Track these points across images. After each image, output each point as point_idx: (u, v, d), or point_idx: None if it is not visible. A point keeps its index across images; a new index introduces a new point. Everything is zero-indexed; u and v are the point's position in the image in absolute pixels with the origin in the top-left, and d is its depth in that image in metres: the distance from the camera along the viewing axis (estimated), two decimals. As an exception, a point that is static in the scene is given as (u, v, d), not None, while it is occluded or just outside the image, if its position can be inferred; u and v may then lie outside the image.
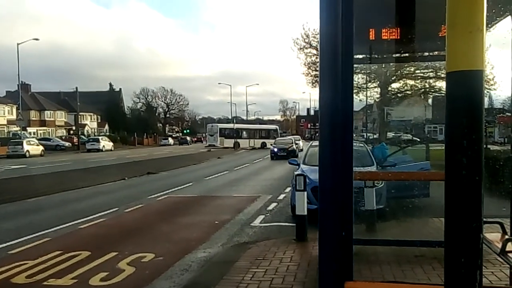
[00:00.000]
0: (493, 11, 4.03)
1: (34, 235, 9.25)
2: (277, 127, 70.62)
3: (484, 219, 4.22)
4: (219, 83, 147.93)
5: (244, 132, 64.14)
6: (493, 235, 4.00)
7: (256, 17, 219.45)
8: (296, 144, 39.49)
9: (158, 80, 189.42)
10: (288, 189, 13.81)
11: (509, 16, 4.26)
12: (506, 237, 3.81)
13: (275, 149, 35.56)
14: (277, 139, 43.40)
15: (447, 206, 1.28)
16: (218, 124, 71.68)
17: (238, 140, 59.36)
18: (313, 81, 36.47)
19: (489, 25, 4.89)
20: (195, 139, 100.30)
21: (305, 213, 7.95)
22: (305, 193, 8.14)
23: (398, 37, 4.48)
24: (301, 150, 34.67)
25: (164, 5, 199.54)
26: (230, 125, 68.85)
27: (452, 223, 1.26)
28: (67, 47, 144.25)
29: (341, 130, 1.92)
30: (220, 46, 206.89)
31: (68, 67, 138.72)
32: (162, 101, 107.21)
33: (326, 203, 1.99)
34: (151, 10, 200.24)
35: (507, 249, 3.33)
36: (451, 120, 1.26)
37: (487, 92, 20.70)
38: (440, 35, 3.83)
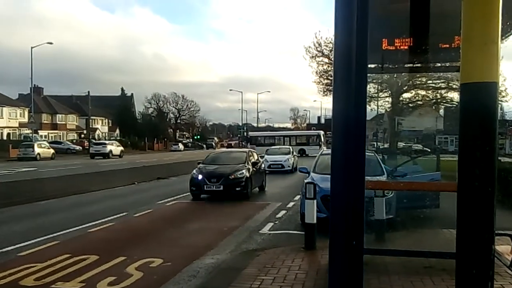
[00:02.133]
0: (507, 23, 4.02)
1: (43, 237, 9.32)
2: (322, 132, 58.50)
3: (495, 232, 4.19)
4: (230, 90, 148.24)
5: (277, 139, 60.67)
6: (503, 248, 3.97)
7: (263, 25, 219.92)
8: (293, 155, 30.59)
9: (166, 86, 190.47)
10: (298, 197, 13.79)
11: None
12: (517, 250, 3.77)
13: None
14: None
15: (459, 216, 1.28)
16: (250, 132, 70.40)
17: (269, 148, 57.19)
18: (325, 90, 36.43)
19: (502, 37, 4.89)
20: (228, 143, 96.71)
21: (315, 221, 7.93)
22: (315, 201, 8.12)
23: (411, 47, 4.49)
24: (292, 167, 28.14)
25: (168, 11, 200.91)
26: (262, 133, 67.74)
27: (464, 234, 1.27)
28: (73, 52, 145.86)
29: (353, 140, 1.93)
30: (228, 53, 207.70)
31: (75, 71, 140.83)
32: (174, 106, 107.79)
33: (338, 212, 1.99)
34: (155, 16, 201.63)
35: (518, 262, 3.30)
36: (464, 131, 1.26)
37: (499, 103, 20.60)
38: (453, 46, 3.82)
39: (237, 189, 15.01)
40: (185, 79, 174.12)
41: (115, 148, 53.14)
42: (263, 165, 18.94)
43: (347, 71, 1.91)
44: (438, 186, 5.85)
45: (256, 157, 25.00)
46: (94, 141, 60.03)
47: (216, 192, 15.05)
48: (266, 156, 27.71)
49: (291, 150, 31.35)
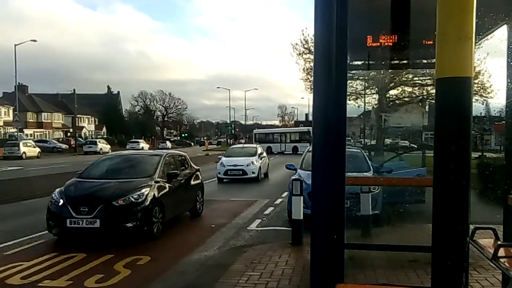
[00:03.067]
0: (492, 18, 4.07)
1: (29, 236, 9.24)
2: (310, 129, 50.30)
3: (478, 225, 4.26)
4: (217, 87, 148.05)
5: (275, 136, 60.42)
6: (485, 241, 4.02)
7: (247, 22, 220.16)
8: (260, 157, 22.56)
9: (152, 84, 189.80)
10: (285, 194, 13.83)
11: (505, 25, 4.31)
12: (499, 242, 3.83)
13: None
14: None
15: (435, 209, 1.31)
16: (255, 130, 69.73)
17: (271, 145, 56.29)
18: (312, 87, 36.48)
19: (485, 34, 4.95)
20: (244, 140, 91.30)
21: (301, 217, 7.98)
22: (302, 197, 8.17)
23: (395, 44, 4.52)
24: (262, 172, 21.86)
25: (151, 8, 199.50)
26: (266, 130, 67.24)
27: (440, 227, 1.29)
28: (56, 50, 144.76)
29: (334, 136, 1.95)
30: (213, 50, 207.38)
31: (58, 70, 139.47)
32: (161, 104, 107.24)
33: (319, 207, 2.01)
34: (137, 13, 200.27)
35: (499, 254, 3.35)
36: (439, 125, 1.29)
37: (484, 100, 20.79)
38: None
39: (128, 224, 8.42)
40: (170, 77, 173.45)
41: (104, 146, 57.66)
42: (198, 178, 12.02)
43: (327, 68, 1.93)
44: (417, 181, 5.93)
45: (260, 151, 23.11)
46: (85, 140, 64.31)
47: (86, 232, 8.40)
48: (223, 159, 21.56)
49: (258, 150, 23.26)
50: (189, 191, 11.26)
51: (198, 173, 12.20)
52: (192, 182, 11.51)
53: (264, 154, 24.19)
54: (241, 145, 30.90)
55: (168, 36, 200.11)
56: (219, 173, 20.87)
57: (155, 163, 10.06)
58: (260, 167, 21.30)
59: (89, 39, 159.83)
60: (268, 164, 23.81)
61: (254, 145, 26.72)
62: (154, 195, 9.00)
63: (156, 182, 9.40)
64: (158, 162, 10.08)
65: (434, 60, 1.32)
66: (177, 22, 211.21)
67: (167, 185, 9.72)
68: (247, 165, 20.69)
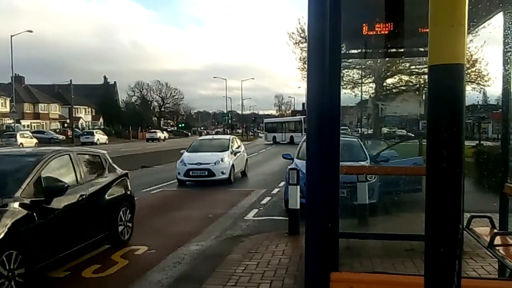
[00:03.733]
0: (486, 5, 4.05)
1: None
2: (302, 118, 49.12)
3: (474, 214, 4.26)
4: (214, 77, 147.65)
5: (277, 126, 60.73)
6: (482, 229, 4.04)
7: (240, 11, 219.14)
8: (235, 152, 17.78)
9: (147, 74, 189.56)
10: (282, 183, 13.86)
11: (501, 12, 4.29)
12: (495, 231, 3.85)
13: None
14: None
15: (428, 197, 1.30)
16: (265, 120, 69.72)
17: (275, 134, 57.13)
18: (307, 76, 36.45)
19: (482, 21, 4.92)
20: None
21: (298, 207, 8.00)
22: (298, 187, 8.18)
23: (391, 32, 4.50)
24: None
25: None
26: (275, 119, 67.29)
27: (433, 214, 1.29)
28: (50, 40, 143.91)
29: (328, 124, 1.94)
30: (208, 40, 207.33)
31: (53, 61, 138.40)
32: (157, 94, 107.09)
33: (313, 195, 2.01)
34: (130, 2, 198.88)
35: (495, 242, 3.37)
36: (432, 113, 1.28)
37: (482, 88, 20.79)
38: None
39: None
40: (166, 67, 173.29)
41: (101, 136, 58.03)
42: (124, 188, 8.52)
43: (320, 57, 1.91)
44: (411, 170, 5.96)
45: (236, 144, 18.43)
46: (82, 131, 64.45)
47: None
48: (184, 155, 16.87)
49: (233, 143, 18.27)
50: (101, 209, 7.39)
51: (124, 180, 8.72)
52: (109, 196, 7.66)
53: (242, 148, 19.58)
54: (210, 137, 24.48)
55: (161, 25, 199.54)
56: (178, 173, 16.29)
57: (26, 171, 5.98)
58: (233, 165, 16.68)
59: (83, 30, 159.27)
60: (247, 160, 19.66)
61: (227, 137, 20.71)
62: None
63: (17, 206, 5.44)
64: (32, 169, 6.04)
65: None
66: (170, 11, 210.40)
67: (38, 209, 5.69)
68: (215, 163, 16.03)
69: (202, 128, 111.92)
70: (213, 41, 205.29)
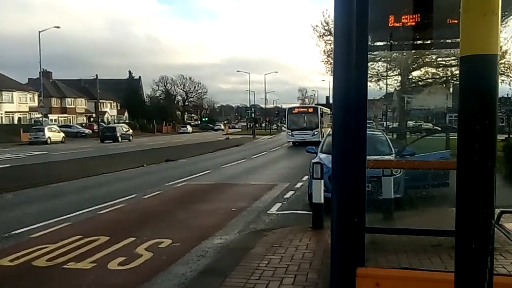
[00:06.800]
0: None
1: (55, 219, 9.44)
2: (319, 107, 42.34)
3: (504, 209, 4.16)
4: (237, 71, 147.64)
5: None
6: (512, 225, 3.94)
7: (256, 4, 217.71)
8: None
9: (166, 69, 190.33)
10: (306, 178, 13.79)
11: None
12: (525, 227, 3.74)
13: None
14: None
15: (459, 192, 1.27)
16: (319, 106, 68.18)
17: None
18: (332, 69, 36.15)
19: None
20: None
21: (322, 201, 7.95)
22: (322, 181, 8.13)
23: (418, 23, 4.40)
24: None
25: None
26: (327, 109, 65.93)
27: (464, 209, 1.25)
28: (64, 35, 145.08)
29: (354, 117, 1.91)
30: (224, 33, 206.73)
31: (69, 55, 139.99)
32: (181, 89, 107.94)
33: (339, 190, 1.99)
34: None
35: (526, 239, 3.27)
36: (463, 105, 1.24)
37: (511, 80, 20.26)
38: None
39: None
40: (183, 61, 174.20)
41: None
42: None
43: (347, 49, 1.88)
44: (439, 164, 5.82)
45: None
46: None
47: None
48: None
49: None
50: None
51: None
52: None
53: None
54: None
55: (175, 19, 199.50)
56: None
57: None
58: None
59: (96, 24, 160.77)
60: None
61: None
62: None
63: None
64: None
65: (458, 40, 1.27)
66: (182, 5, 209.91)
67: None
68: None
69: (225, 121, 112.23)
70: (229, 35, 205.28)
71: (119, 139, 48.71)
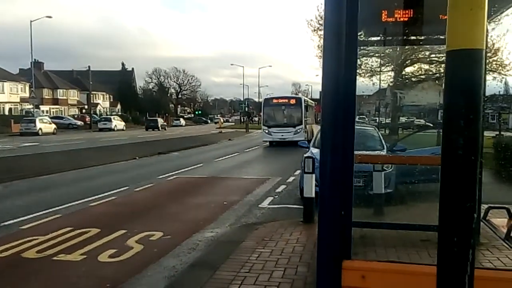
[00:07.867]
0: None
1: (45, 211, 9.40)
2: (303, 97, 35.44)
3: (492, 205, 4.19)
4: (231, 64, 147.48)
5: None
6: (499, 220, 3.98)
7: None
8: None
9: (158, 60, 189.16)
10: (298, 172, 13.81)
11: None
12: (512, 222, 3.78)
13: None
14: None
15: (443, 186, 1.28)
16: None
17: None
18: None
19: (505, 8, 4.80)
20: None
21: (313, 195, 7.97)
22: (314, 175, 8.14)
23: (411, 19, 4.42)
24: None
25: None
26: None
27: (447, 203, 1.27)
28: (56, 25, 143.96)
29: (342, 112, 1.92)
30: (216, 26, 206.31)
31: (61, 46, 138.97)
32: (175, 81, 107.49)
33: (326, 183, 2.00)
34: None
35: (512, 234, 3.31)
36: (448, 99, 1.25)
37: (503, 77, 20.38)
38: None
39: None
40: (175, 53, 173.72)
41: (119, 123, 59.35)
42: None
43: (336, 41, 1.88)
44: (427, 159, 5.87)
45: None
46: (100, 117, 65.75)
47: None
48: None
49: None
50: None
51: None
52: None
53: None
54: None
55: (168, 11, 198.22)
56: None
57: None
58: None
59: (86, 15, 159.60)
60: None
61: None
62: None
63: None
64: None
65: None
66: None
67: None
68: None
69: (219, 115, 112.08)
70: (222, 28, 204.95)
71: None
